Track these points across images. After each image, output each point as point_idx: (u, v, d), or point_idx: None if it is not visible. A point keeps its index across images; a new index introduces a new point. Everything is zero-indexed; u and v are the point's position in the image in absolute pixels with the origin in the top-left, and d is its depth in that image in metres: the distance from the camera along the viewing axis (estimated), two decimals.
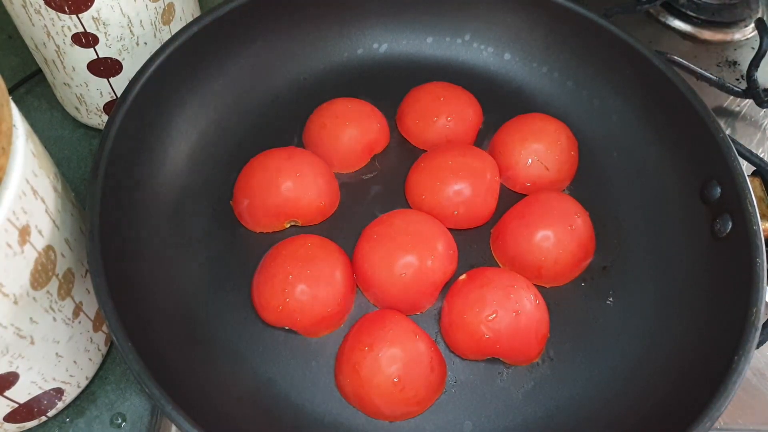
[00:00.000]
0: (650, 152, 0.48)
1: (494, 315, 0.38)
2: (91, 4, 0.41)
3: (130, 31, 0.44)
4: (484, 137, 0.50)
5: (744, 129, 0.60)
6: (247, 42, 0.49)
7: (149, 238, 0.41)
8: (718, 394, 0.34)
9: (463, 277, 0.41)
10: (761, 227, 0.39)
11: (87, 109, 0.50)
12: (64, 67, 0.46)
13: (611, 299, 0.43)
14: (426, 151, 0.48)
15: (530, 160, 0.47)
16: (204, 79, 0.47)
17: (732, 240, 0.41)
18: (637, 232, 0.46)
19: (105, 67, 0.46)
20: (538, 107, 0.51)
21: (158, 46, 0.43)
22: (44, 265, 0.32)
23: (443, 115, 0.48)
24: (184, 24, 0.47)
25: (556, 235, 0.42)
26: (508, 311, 0.39)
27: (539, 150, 0.47)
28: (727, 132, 0.43)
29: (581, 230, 0.43)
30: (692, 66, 0.59)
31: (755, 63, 0.59)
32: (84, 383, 0.41)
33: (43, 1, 0.40)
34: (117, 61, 0.46)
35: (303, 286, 0.39)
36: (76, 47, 0.44)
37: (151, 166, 0.43)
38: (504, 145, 0.48)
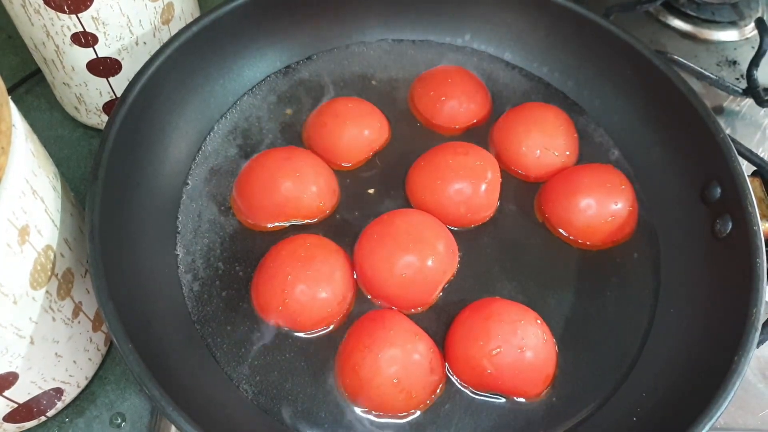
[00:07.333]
0: (651, 152, 0.48)
1: (498, 349, 0.38)
2: (91, 3, 0.41)
3: (130, 30, 0.44)
4: (486, 136, 0.50)
5: (744, 128, 0.60)
6: (246, 42, 0.49)
7: (149, 238, 0.41)
8: (719, 394, 0.34)
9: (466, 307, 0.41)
10: (761, 228, 0.39)
11: (86, 109, 0.50)
12: (64, 67, 0.46)
13: (611, 299, 0.43)
14: (434, 131, 0.49)
15: (539, 152, 0.47)
16: (204, 79, 0.47)
17: (732, 240, 0.41)
18: (638, 232, 0.46)
19: (104, 67, 0.46)
20: None
21: (157, 45, 0.43)
22: (43, 265, 0.32)
23: (453, 95, 0.49)
24: (184, 24, 0.47)
25: (614, 192, 0.44)
26: (513, 347, 0.38)
27: (545, 140, 0.47)
28: (727, 131, 0.43)
29: (631, 194, 0.45)
30: (692, 65, 0.59)
31: (755, 62, 0.59)
32: (83, 383, 0.41)
33: (42, 1, 0.40)
34: (116, 60, 0.46)
35: (303, 287, 0.39)
36: (76, 47, 0.44)
37: (151, 166, 0.43)
38: (510, 142, 0.48)
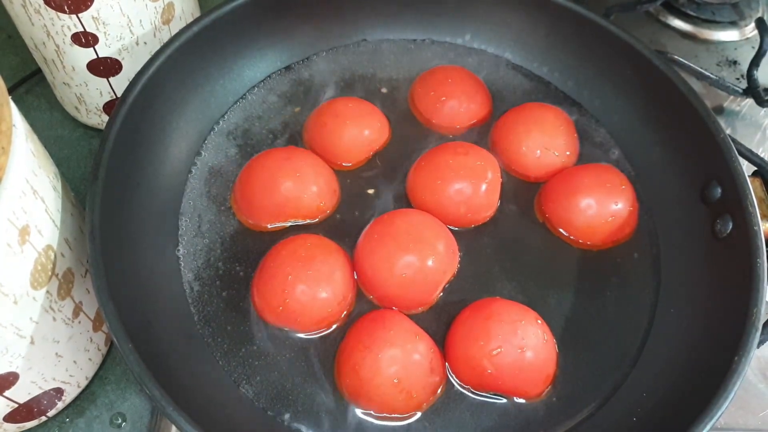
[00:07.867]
0: (651, 152, 0.48)
1: (499, 350, 0.38)
2: (91, 3, 0.41)
3: (130, 30, 0.44)
4: (486, 136, 0.50)
5: (744, 129, 0.60)
6: (246, 42, 0.49)
7: (149, 238, 0.41)
8: (719, 394, 0.34)
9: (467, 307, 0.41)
10: (761, 228, 0.39)
11: (87, 109, 0.50)
12: (64, 67, 0.46)
13: (611, 299, 0.43)
14: (434, 131, 0.49)
15: (539, 152, 0.47)
16: (204, 79, 0.47)
17: (733, 240, 0.41)
18: (638, 232, 0.46)
19: (105, 67, 0.46)
20: None
21: (158, 45, 0.44)
22: (44, 265, 0.32)
23: (453, 95, 0.49)
24: (184, 24, 0.47)
25: (614, 192, 0.44)
26: (514, 347, 0.37)
27: (545, 140, 0.47)
28: (728, 132, 0.43)
29: (631, 194, 0.45)
30: (692, 65, 0.59)
31: (755, 62, 0.59)
32: (84, 383, 0.41)
33: (42, 1, 0.40)
34: (117, 60, 0.46)
35: (303, 287, 0.39)
36: (76, 47, 0.44)
37: (151, 166, 0.43)
38: (510, 142, 0.48)
